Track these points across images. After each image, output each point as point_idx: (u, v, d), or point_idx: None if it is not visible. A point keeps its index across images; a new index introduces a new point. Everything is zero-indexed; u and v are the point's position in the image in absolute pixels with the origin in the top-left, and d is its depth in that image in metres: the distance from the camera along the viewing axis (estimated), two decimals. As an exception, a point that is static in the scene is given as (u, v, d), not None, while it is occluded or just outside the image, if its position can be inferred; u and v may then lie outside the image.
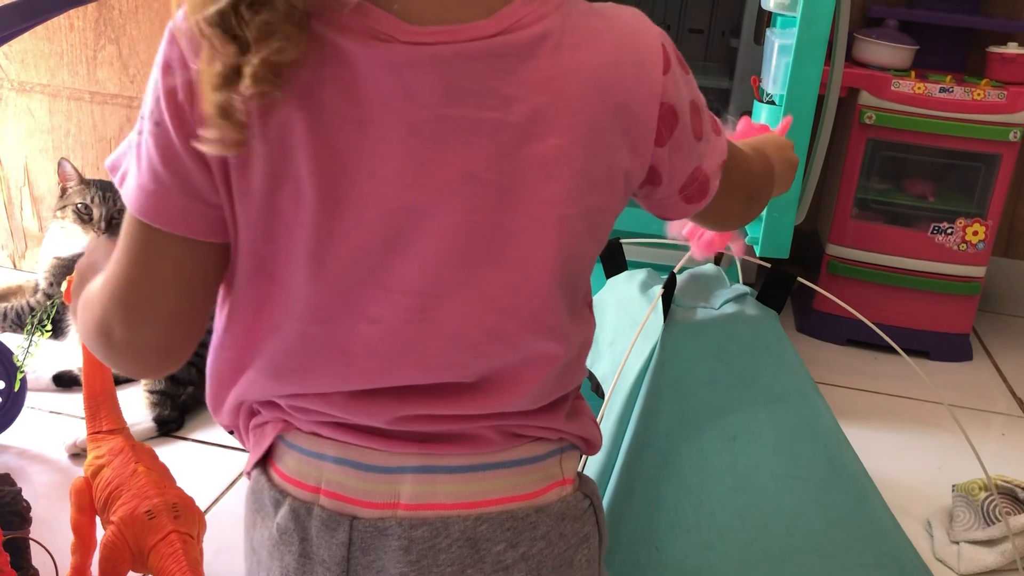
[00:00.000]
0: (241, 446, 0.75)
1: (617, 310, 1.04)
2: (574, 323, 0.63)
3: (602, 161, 0.59)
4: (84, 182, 1.82)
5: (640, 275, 1.08)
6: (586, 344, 0.67)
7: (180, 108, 0.55)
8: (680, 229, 0.98)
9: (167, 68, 0.55)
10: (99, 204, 1.79)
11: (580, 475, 0.70)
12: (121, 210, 1.78)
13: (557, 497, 0.65)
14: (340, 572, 0.62)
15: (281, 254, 0.58)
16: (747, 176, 0.76)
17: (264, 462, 0.66)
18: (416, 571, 0.61)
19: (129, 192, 0.58)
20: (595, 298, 0.81)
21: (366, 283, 0.58)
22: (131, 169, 0.58)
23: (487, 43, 0.55)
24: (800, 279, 1.02)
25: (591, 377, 1.03)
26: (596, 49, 0.58)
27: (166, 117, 0.55)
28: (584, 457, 0.74)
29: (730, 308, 1.00)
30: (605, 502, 0.91)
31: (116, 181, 0.60)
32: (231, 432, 0.70)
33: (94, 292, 0.62)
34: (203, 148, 0.53)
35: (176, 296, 0.60)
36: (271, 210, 0.57)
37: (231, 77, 0.51)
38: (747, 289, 1.04)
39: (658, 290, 0.98)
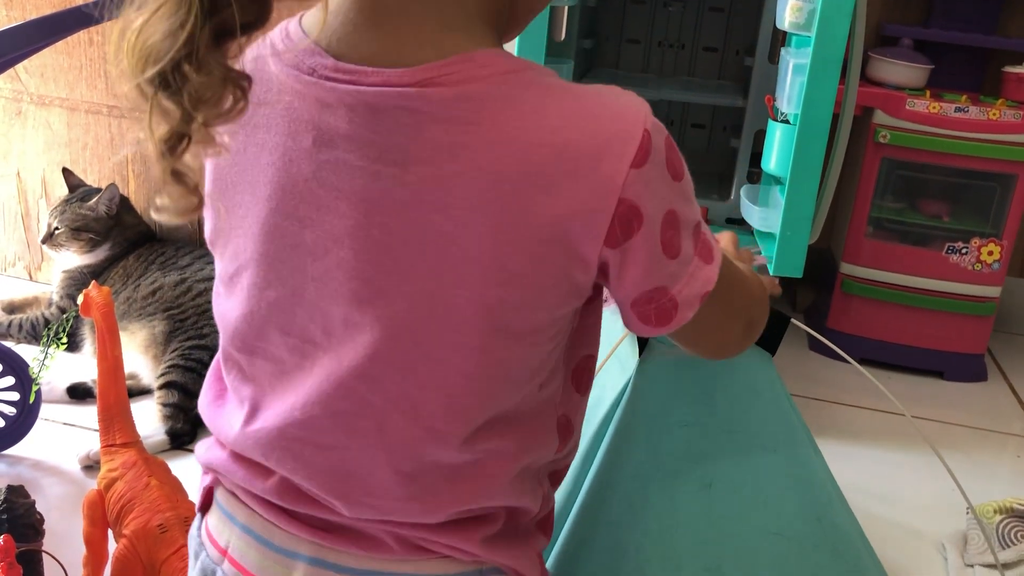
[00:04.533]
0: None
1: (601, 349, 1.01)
2: (466, 426, 0.56)
3: (522, 250, 0.51)
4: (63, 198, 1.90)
5: None
6: (504, 462, 0.59)
7: None
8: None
9: None
10: (52, 217, 1.86)
11: None
12: (59, 227, 1.82)
13: None
14: None
15: None
16: (747, 300, 0.66)
17: (204, 511, 0.67)
18: None
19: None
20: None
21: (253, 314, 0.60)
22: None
23: (397, 92, 0.50)
24: (794, 320, 0.95)
25: None
26: (539, 125, 0.50)
27: None
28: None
29: None
30: (558, 545, 0.83)
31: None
32: None
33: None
34: (159, 218, 0.50)
35: None
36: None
37: (179, 141, 0.48)
38: None
39: None
